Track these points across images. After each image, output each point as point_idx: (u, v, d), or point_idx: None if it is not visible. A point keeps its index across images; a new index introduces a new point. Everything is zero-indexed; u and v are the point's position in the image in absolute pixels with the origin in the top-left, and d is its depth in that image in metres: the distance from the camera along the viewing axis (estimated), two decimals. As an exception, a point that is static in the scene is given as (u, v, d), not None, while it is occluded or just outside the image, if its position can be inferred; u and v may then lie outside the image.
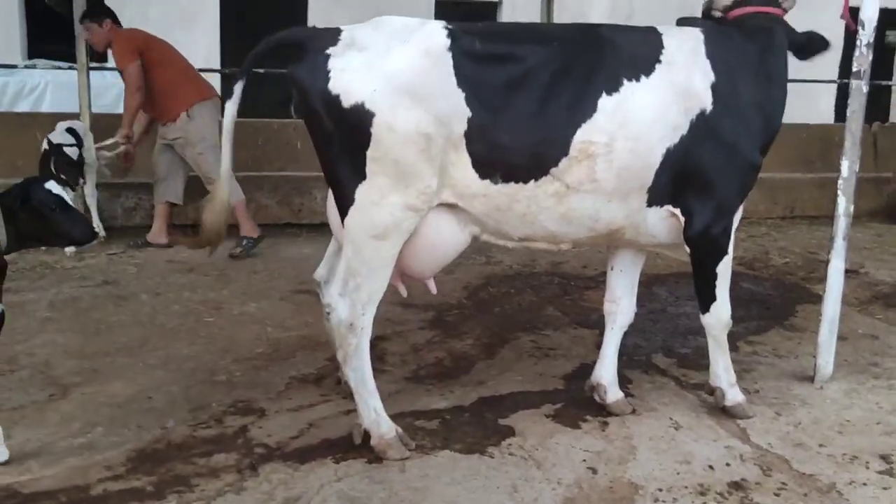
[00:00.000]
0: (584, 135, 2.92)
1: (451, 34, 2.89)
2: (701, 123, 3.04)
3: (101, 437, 3.12)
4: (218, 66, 7.84)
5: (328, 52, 2.85)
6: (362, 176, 2.86)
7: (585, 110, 2.94)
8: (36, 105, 8.66)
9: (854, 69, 3.56)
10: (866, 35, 3.52)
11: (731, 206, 3.22)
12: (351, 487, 2.79)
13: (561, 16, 8.31)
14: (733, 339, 4.38)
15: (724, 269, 3.29)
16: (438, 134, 2.83)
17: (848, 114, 3.61)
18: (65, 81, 8.31)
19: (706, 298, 3.34)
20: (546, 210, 3.00)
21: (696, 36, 3.17)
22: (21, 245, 2.91)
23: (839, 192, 3.66)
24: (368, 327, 3.02)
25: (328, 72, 2.82)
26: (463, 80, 2.84)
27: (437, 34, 2.88)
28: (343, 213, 2.97)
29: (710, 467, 3.00)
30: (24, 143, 7.09)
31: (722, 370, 3.43)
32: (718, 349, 3.43)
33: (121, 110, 8.44)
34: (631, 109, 2.97)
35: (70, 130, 5.87)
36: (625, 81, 2.98)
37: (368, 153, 2.82)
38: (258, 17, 9.95)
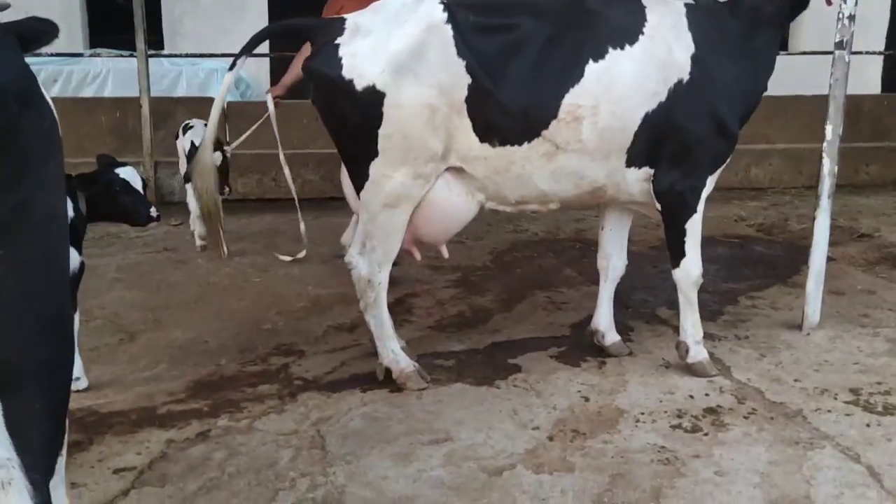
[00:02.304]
0: (573, 98, 3.20)
1: (446, 8, 3.16)
2: (679, 91, 3.29)
3: (164, 371, 3.65)
4: (266, 52, 8.36)
5: (337, 41, 3.13)
6: (375, 153, 3.17)
7: (574, 76, 3.20)
8: (99, 91, 9.28)
9: (836, 40, 3.85)
10: (848, 7, 3.80)
11: (701, 169, 3.41)
12: (374, 411, 3.26)
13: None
14: (735, 295, 4.76)
15: (693, 227, 3.46)
16: (441, 103, 3.13)
17: (831, 82, 3.90)
18: (125, 68, 8.90)
19: (676, 254, 3.53)
20: (538, 170, 3.29)
21: (679, 10, 3.39)
22: (94, 218, 3.32)
23: (824, 154, 3.95)
24: (385, 282, 3.44)
25: (340, 59, 3.10)
26: (462, 49, 3.11)
27: (434, 10, 3.16)
28: (358, 187, 3.31)
29: (691, 397, 3.38)
30: (89, 126, 7.77)
31: (689, 325, 3.59)
32: (688, 305, 3.58)
33: (175, 94, 9.03)
34: (614, 76, 3.23)
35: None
36: (610, 50, 3.24)
37: (380, 131, 3.13)
38: (306, 5, 10.43)
